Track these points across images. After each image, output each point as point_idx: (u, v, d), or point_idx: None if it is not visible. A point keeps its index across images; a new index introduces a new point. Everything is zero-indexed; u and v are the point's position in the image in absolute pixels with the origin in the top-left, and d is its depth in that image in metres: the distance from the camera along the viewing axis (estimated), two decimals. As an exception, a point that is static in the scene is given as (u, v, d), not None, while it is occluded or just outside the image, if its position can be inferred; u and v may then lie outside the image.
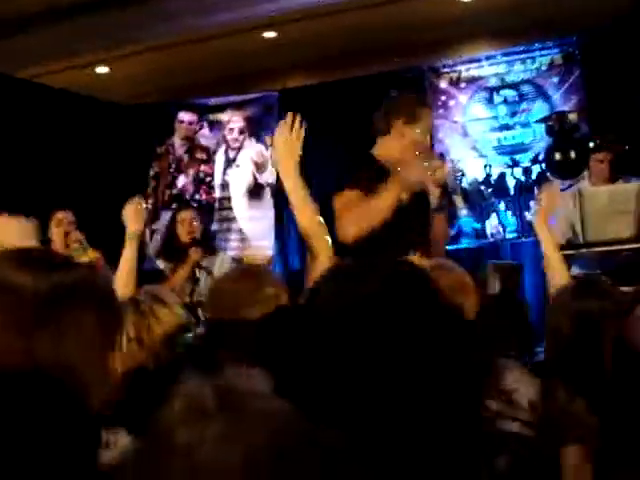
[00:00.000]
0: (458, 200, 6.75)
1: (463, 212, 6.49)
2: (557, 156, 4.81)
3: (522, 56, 6.52)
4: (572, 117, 4.86)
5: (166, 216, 7.11)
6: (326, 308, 1.18)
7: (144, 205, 3.21)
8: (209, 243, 5.13)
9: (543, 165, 6.27)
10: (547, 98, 6.41)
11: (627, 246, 3.49)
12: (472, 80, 6.67)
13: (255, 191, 7.12)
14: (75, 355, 0.98)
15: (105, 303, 1.05)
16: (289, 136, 2.54)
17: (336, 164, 7.06)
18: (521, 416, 1.88)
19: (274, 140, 2.54)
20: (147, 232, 7.14)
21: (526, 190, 6.49)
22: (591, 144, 4.81)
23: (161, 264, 5.04)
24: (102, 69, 7.50)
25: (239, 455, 0.61)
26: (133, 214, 3.11)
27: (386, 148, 3.32)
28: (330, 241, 2.59)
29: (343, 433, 0.73)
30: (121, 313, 1.08)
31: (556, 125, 4.87)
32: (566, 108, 6.03)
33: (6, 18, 6.50)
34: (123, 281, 2.89)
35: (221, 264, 5.02)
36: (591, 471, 1.71)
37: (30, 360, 0.93)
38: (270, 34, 6.94)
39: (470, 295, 2.14)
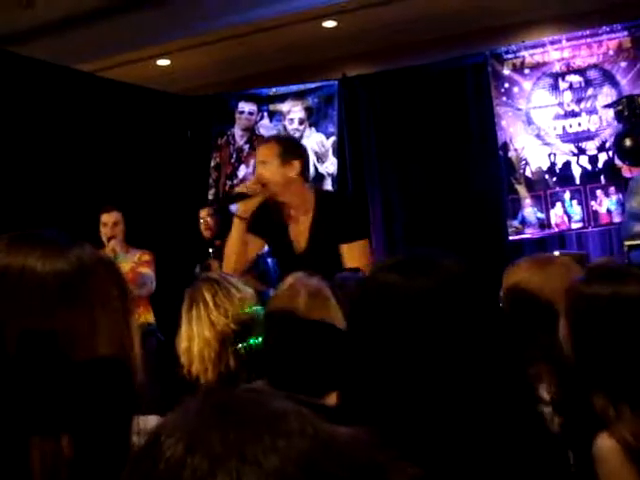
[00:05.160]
0: (522, 189, 6.67)
1: (527, 201, 6.44)
2: (627, 142, 4.66)
3: (588, 40, 6.33)
4: (643, 101, 4.71)
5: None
6: (380, 300, 1.19)
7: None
8: None
9: (610, 153, 6.11)
10: (615, 83, 6.22)
11: None
12: (536, 66, 6.51)
13: (316, 181, 7.09)
14: (106, 331, 0.97)
15: (120, 277, 1.05)
16: None
17: (392, 152, 7.02)
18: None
19: None
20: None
21: (592, 179, 6.33)
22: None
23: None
24: (163, 62, 7.58)
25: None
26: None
27: None
28: None
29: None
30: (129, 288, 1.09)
31: (625, 110, 4.72)
32: (635, 93, 5.85)
33: (70, 12, 6.60)
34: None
35: None
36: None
37: (63, 344, 0.92)
38: (330, 23, 6.91)
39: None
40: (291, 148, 3.54)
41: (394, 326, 1.16)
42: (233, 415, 0.60)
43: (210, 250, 5.73)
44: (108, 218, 5.34)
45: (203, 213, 6.04)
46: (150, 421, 1.23)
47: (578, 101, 6.39)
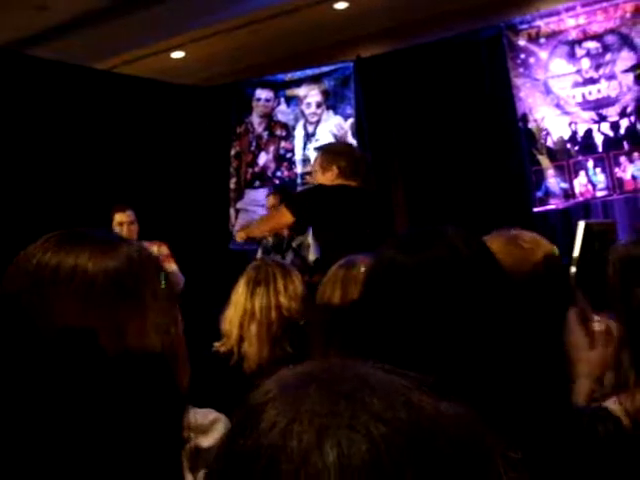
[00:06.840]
0: (544, 160, 6.61)
1: (550, 172, 6.39)
2: (648, 106, 4.61)
3: (604, 4, 6.23)
4: (663, 64, 4.64)
5: (250, 195, 7.17)
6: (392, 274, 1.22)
7: None
8: None
9: (632, 118, 6.04)
10: (633, 47, 6.12)
11: None
12: (552, 35, 6.43)
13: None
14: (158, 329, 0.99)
15: (166, 274, 1.06)
16: None
17: (411, 130, 6.99)
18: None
19: None
20: (232, 212, 7.22)
21: (615, 145, 6.26)
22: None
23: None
24: (177, 54, 7.59)
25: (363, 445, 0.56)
26: None
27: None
28: None
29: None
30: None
31: (645, 74, 4.66)
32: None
33: (82, 13, 6.64)
34: None
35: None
36: None
37: (116, 340, 0.94)
38: (341, 5, 6.88)
39: None
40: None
41: (400, 301, 1.19)
42: (339, 385, 0.59)
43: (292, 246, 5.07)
44: (124, 217, 5.04)
45: (271, 201, 5.56)
46: (206, 414, 1.25)
47: (596, 67, 6.31)
